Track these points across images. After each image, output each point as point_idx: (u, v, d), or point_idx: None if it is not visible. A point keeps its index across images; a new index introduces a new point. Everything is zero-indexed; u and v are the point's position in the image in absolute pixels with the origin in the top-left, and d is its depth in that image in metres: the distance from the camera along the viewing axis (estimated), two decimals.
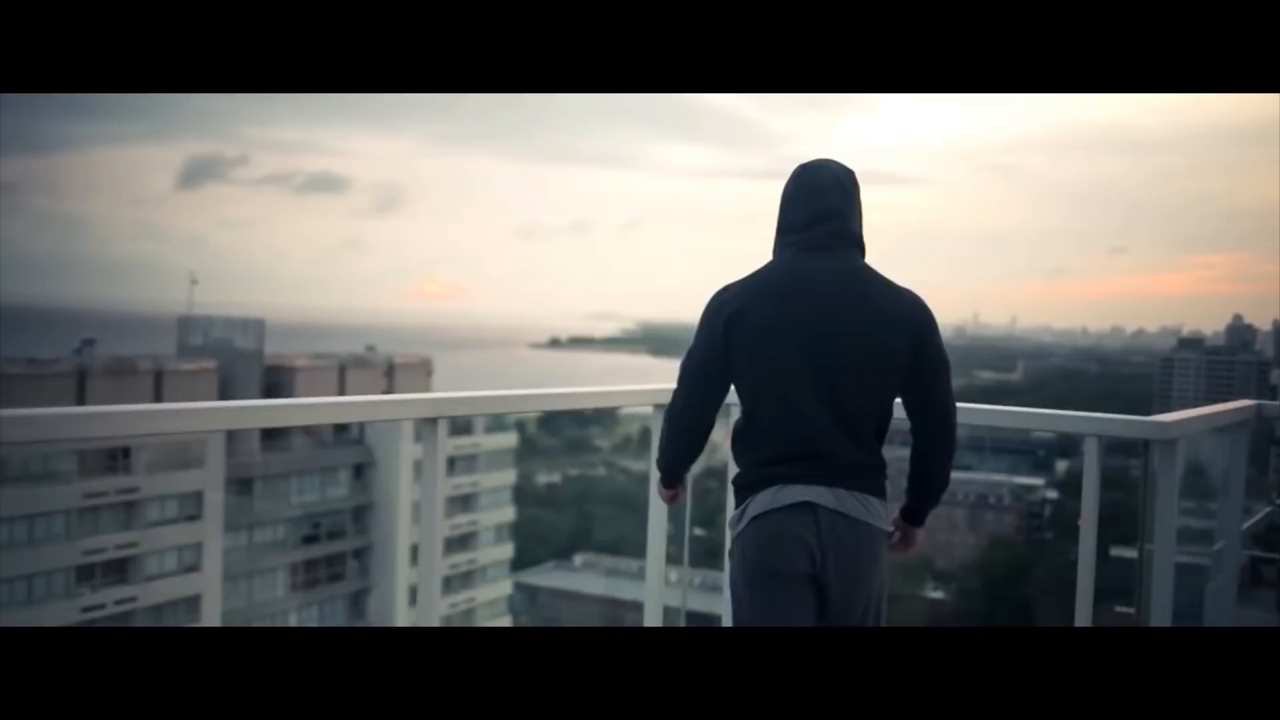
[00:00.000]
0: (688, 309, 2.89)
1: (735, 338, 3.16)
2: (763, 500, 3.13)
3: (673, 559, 5.08)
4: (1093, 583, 3.23)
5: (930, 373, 3.22)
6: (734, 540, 3.22)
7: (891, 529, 3.26)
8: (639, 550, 4.96)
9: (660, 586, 5.06)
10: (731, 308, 3.17)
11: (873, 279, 3.20)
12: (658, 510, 4.86)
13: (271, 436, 47.22)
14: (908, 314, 3.18)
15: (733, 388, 3.29)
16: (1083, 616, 3.18)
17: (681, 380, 3.32)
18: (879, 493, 3.19)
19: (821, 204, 3.17)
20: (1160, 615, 3.86)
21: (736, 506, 3.23)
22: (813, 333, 3.10)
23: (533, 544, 59.34)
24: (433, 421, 4.08)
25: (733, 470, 3.35)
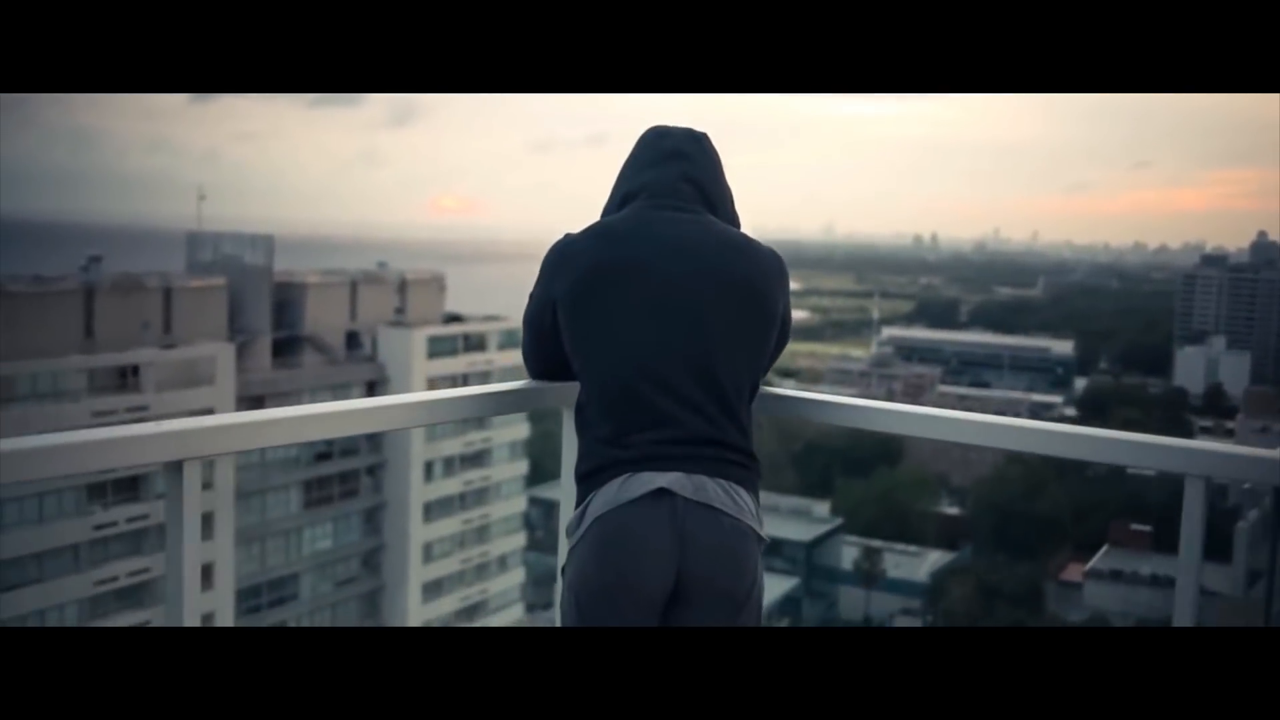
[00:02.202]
0: None
1: (567, 285, 2.59)
2: (606, 496, 2.43)
3: None
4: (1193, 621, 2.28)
5: (781, 343, 2.73)
6: (569, 551, 2.51)
7: (764, 535, 2.52)
8: None
9: None
10: (568, 253, 2.63)
11: (735, 231, 2.70)
12: None
13: (282, 353, 47.03)
14: (780, 265, 2.69)
15: None
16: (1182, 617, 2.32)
17: (524, 329, 2.80)
18: (751, 486, 2.51)
19: (676, 165, 2.69)
20: None
21: (576, 506, 2.52)
22: (670, 276, 2.54)
23: (548, 459, 59.45)
24: (177, 467, 2.10)
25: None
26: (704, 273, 2.54)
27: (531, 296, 2.70)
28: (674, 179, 2.67)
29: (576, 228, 2.66)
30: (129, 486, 39.10)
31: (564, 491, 2.85)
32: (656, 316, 2.50)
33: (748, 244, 2.65)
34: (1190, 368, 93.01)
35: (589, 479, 2.48)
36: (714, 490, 2.41)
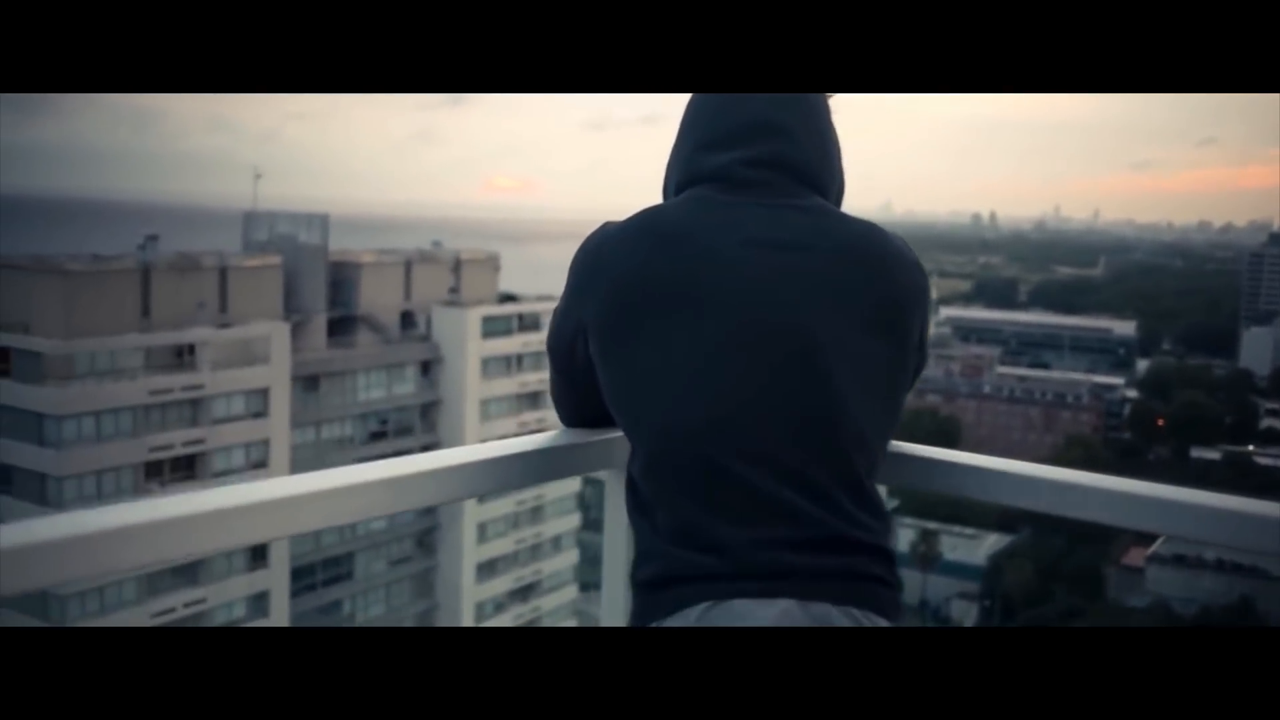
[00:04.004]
0: None
1: (602, 303, 1.78)
2: None
3: None
4: None
5: (916, 378, 1.92)
6: None
7: None
8: None
9: None
10: (603, 254, 1.81)
11: (858, 222, 1.84)
12: None
13: (337, 332, 47.16)
14: (920, 269, 1.86)
15: None
16: None
17: (549, 358, 2.01)
18: (895, 615, 1.66)
19: (761, 144, 1.84)
20: None
21: (633, 621, 1.73)
22: (763, 290, 1.72)
23: None
24: None
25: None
26: (816, 286, 1.73)
27: (554, 314, 1.92)
28: (757, 165, 1.84)
29: (630, 209, 1.85)
30: (186, 465, 39.34)
31: (607, 591, 2.19)
32: (746, 351, 1.69)
33: (878, 240, 1.81)
34: (1256, 349, 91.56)
35: (651, 592, 1.69)
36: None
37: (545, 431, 2.07)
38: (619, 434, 1.92)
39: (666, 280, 1.73)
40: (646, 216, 1.82)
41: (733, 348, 1.70)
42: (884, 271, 1.78)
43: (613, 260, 1.78)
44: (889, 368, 1.77)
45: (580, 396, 1.97)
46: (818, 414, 1.68)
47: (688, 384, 1.70)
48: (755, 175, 1.83)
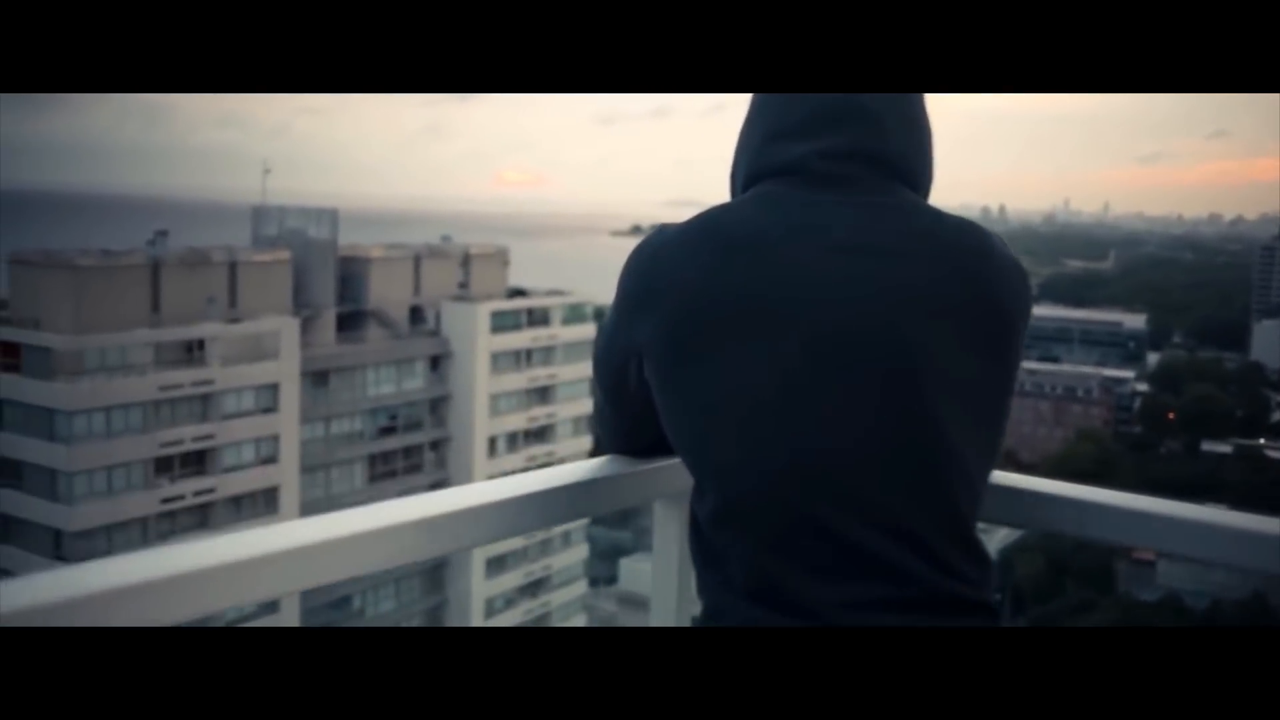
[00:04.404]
0: None
1: (660, 323, 1.55)
2: None
3: None
4: None
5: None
6: None
7: None
8: None
9: None
10: (659, 266, 1.58)
11: (956, 220, 1.60)
12: None
13: (346, 327, 47.18)
14: (1023, 274, 1.63)
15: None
16: None
17: (595, 381, 1.81)
18: None
19: (845, 132, 1.62)
20: None
21: None
22: (850, 305, 1.49)
23: None
24: None
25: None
26: (915, 299, 1.50)
27: (601, 331, 1.72)
28: (839, 157, 1.60)
29: (640, 203, 1.69)
30: (196, 460, 39.40)
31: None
32: (836, 378, 1.47)
33: (981, 243, 1.58)
34: (1268, 341, 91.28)
35: None
36: None
37: (586, 460, 1.86)
38: (669, 460, 1.77)
39: (738, 293, 1.49)
40: (711, 218, 1.59)
41: (820, 374, 1.47)
42: (990, 280, 1.56)
43: (674, 270, 1.54)
44: (994, 392, 1.55)
45: (632, 424, 1.76)
46: (919, 451, 1.47)
47: (767, 417, 1.47)
48: (837, 169, 1.59)
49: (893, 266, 1.51)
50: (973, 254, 1.56)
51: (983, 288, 1.54)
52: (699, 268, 1.52)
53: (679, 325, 1.52)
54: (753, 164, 1.67)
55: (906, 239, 1.54)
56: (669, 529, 1.98)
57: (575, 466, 1.83)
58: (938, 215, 1.59)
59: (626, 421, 1.78)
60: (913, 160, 1.67)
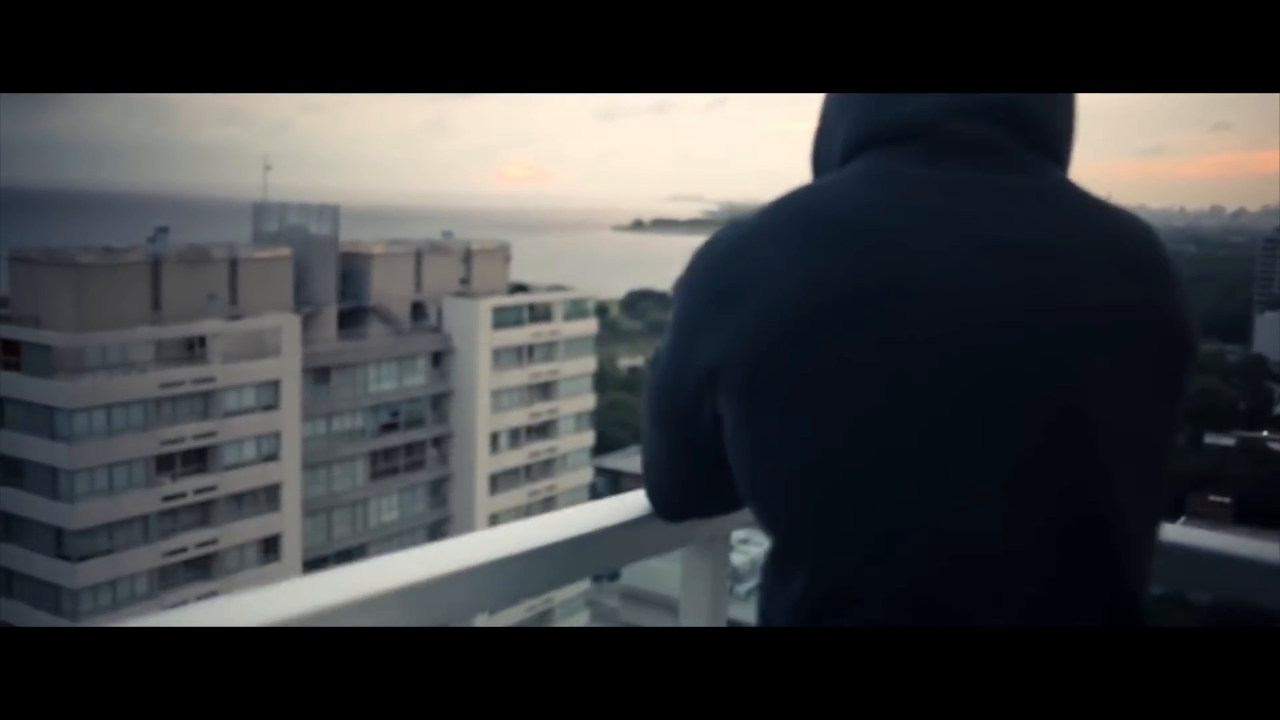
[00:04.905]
0: (773, 191, 1.40)
1: (745, 338, 1.14)
2: None
3: None
4: None
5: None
6: None
7: None
8: None
9: None
10: (738, 265, 1.18)
11: (1106, 205, 1.23)
12: None
13: (348, 323, 47.16)
14: (1186, 293, 1.25)
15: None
16: None
17: (647, 417, 1.37)
18: None
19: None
20: None
21: None
22: (998, 319, 1.11)
23: (614, 428, 59.46)
24: None
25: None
26: (1083, 319, 1.12)
27: (658, 354, 1.29)
28: (977, 116, 1.24)
29: (642, 198, 1.33)
30: (197, 458, 39.39)
31: None
32: (987, 428, 1.09)
33: (1149, 244, 1.22)
34: (1270, 334, 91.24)
35: None
36: None
37: (598, 503, 1.57)
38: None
39: (849, 303, 1.10)
40: (802, 202, 1.19)
41: (967, 422, 1.09)
42: (1175, 297, 1.20)
43: (759, 272, 1.14)
44: (1166, 437, 1.19)
45: (696, 475, 1.32)
46: (1088, 523, 1.11)
47: (894, 477, 1.09)
48: (975, 134, 1.21)
49: (1061, 277, 1.13)
50: (1155, 264, 1.20)
51: (1169, 308, 1.19)
52: (796, 268, 1.12)
53: (769, 343, 1.12)
54: (856, 126, 1.27)
55: (1064, 235, 1.16)
56: (699, 581, 1.69)
57: (583, 512, 1.55)
58: (1105, 208, 1.22)
59: (687, 473, 1.34)
60: (1062, 125, 1.30)
